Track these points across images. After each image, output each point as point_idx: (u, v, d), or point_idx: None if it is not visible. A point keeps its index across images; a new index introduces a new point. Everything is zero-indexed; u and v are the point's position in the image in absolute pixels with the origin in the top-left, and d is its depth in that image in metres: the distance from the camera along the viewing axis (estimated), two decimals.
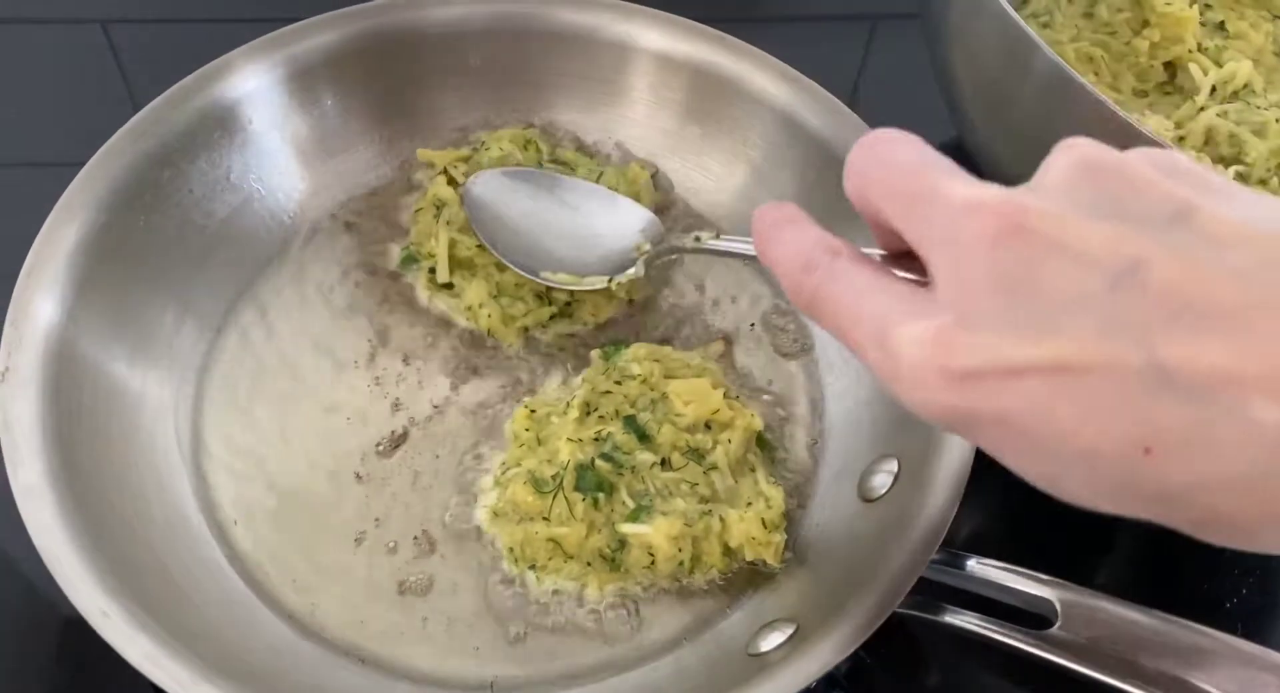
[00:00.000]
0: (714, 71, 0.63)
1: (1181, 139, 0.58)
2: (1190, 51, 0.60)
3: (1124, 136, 0.46)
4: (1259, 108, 0.58)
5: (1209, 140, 0.57)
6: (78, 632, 0.46)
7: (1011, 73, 0.52)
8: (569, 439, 0.53)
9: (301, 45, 0.61)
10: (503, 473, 0.55)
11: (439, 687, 0.51)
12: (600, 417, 0.54)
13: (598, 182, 0.62)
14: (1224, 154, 0.57)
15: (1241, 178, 0.56)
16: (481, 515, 0.55)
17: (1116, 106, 0.46)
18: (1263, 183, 0.57)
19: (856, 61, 0.77)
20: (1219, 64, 0.59)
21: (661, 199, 0.65)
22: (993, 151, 0.58)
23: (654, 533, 0.51)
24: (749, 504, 0.53)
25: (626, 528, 0.52)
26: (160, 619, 0.47)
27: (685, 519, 0.52)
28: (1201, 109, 0.58)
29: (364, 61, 0.63)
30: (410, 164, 0.65)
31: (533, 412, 0.56)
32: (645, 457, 0.53)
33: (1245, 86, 0.59)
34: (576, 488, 0.52)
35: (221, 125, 0.60)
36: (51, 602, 0.52)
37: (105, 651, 0.45)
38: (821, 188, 0.61)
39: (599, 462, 0.52)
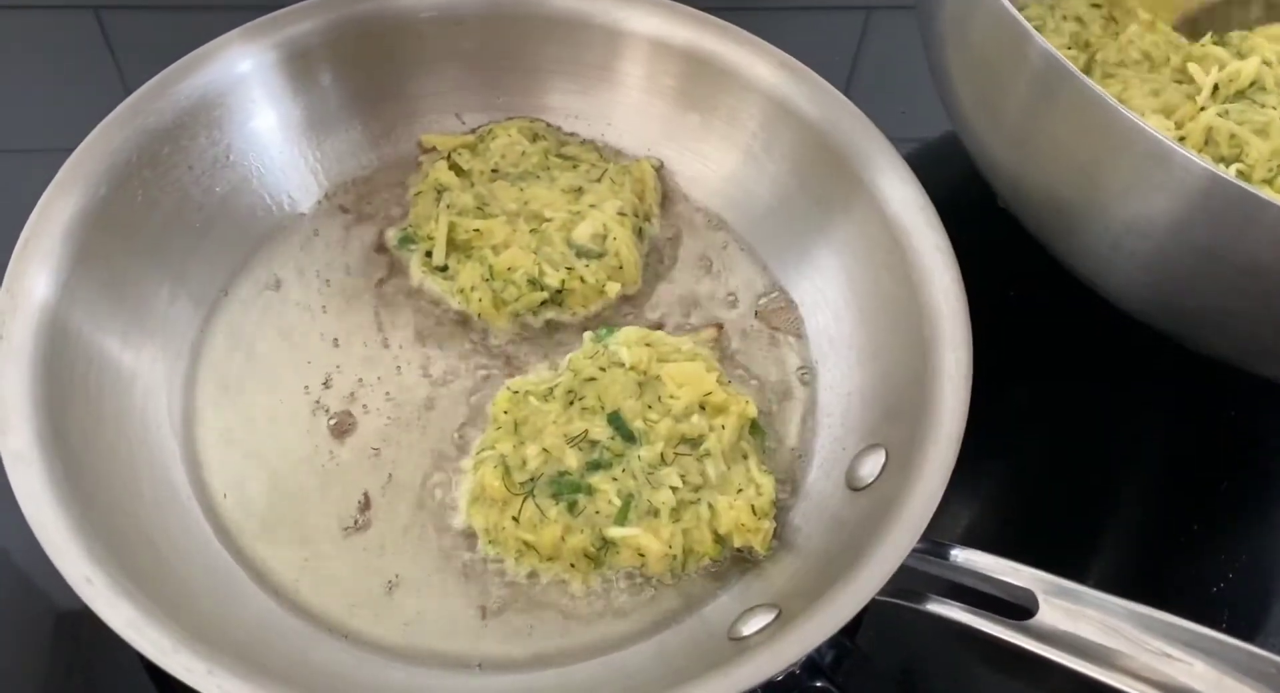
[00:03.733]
0: (709, 58, 0.63)
1: (1182, 139, 0.58)
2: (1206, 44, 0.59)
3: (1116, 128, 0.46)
4: (1263, 107, 0.57)
5: (1209, 140, 0.57)
6: (72, 625, 0.46)
7: (1005, 63, 0.52)
8: (544, 449, 0.53)
9: (299, 27, 0.62)
10: (478, 455, 0.55)
11: (425, 666, 0.51)
12: (584, 408, 0.54)
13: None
14: (1224, 154, 0.57)
15: (1243, 176, 0.56)
16: (461, 497, 0.55)
17: (1111, 98, 0.46)
18: (1266, 183, 0.56)
19: (851, 51, 0.77)
20: (1241, 56, 0.59)
21: (664, 192, 0.65)
22: (986, 142, 0.58)
23: (644, 536, 0.51)
24: (740, 491, 0.53)
25: (614, 532, 0.52)
26: (145, 588, 0.47)
27: (674, 515, 0.52)
28: (1202, 109, 0.58)
29: (360, 44, 0.63)
30: (409, 146, 0.65)
31: (515, 393, 0.56)
32: (632, 452, 0.53)
33: (1253, 85, 0.58)
34: (550, 496, 0.52)
35: (222, 103, 0.60)
36: (47, 596, 0.53)
37: (101, 645, 0.45)
38: (816, 175, 0.61)
39: (580, 469, 0.52)
